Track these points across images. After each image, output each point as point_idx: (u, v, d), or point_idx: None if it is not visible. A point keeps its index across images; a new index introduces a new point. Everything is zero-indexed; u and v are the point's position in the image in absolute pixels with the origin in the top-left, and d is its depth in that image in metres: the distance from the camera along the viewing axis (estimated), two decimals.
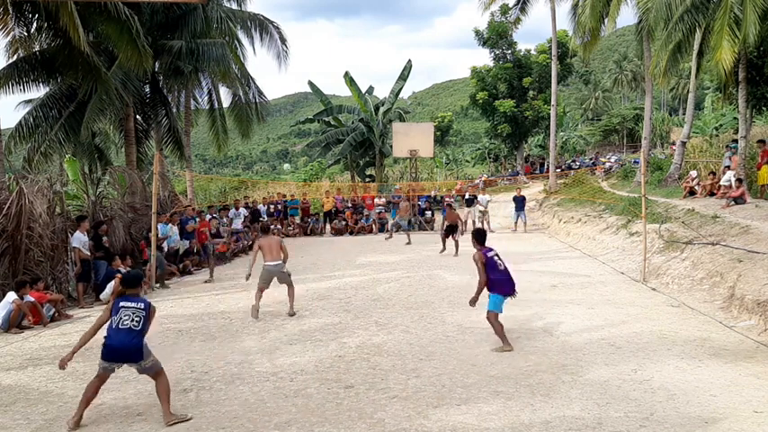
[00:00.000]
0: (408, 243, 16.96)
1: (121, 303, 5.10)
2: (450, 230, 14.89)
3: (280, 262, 8.77)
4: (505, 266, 6.79)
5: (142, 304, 5.12)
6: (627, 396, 5.15)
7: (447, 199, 23.45)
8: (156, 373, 5.13)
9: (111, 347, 4.98)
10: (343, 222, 21.80)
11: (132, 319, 5.02)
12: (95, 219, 12.34)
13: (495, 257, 6.74)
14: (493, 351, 6.54)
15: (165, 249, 13.06)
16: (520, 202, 19.93)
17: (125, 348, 4.97)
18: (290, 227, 21.58)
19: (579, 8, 22.84)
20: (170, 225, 13.49)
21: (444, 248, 14.88)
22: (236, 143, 35.01)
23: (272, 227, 18.81)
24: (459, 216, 16.09)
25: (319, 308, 9.20)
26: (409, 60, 34.16)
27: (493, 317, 6.65)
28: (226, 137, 23.09)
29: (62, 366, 5.09)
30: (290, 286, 8.96)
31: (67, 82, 15.63)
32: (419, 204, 22.73)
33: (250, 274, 8.84)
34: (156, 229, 12.25)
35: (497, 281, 6.64)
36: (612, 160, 37.67)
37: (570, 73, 39.15)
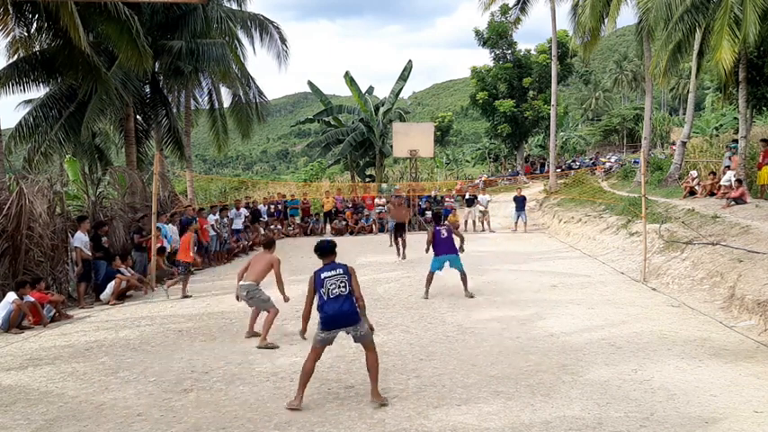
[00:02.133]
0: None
1: (323, 275, 5.30)
2: (400, 229, 14.56)
3: (252, 282, 7.35)
4: (448, 237, 9.73)
5: (341, 269, 5.35)
6: (627, 396, 5.15)
7: (448, 199, 23.41)
8: (370, 342, 5.30)
9: (328, 316, 5.20)
10: (344, 222, 21.81)
11: (338, 286, 5.25)
12: (95, 219, 12.33)
13: (442, 231, 9.79)
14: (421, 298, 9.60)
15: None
16: (520, 202, 19.93)
17: (341, 313, 5.19)
18: (291, 227, 21.62)
19: (579, 8, 22.82)
20: (169, 225, 13.47)
21: (400, 256, 14.39)
22: (237, 143, 34.94)
23: (273, 232, 18.57)
24: (408, 214, 16.05)
25: None
26: (409, 60, 34.13)
27: (429, 275, 9.77)
28: (226, 137, 23.08)
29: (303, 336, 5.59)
30: (267, 311, 7.43)
31: (67, 82, 15.61)
32: (419, 204, 22.71)
33: (239, 296, 7.58)
34: (158, 229, 12.27)
35: (438, 247, 9.73)
36: (612, 160, 37.63)
37: (570, 73, 39.13)
